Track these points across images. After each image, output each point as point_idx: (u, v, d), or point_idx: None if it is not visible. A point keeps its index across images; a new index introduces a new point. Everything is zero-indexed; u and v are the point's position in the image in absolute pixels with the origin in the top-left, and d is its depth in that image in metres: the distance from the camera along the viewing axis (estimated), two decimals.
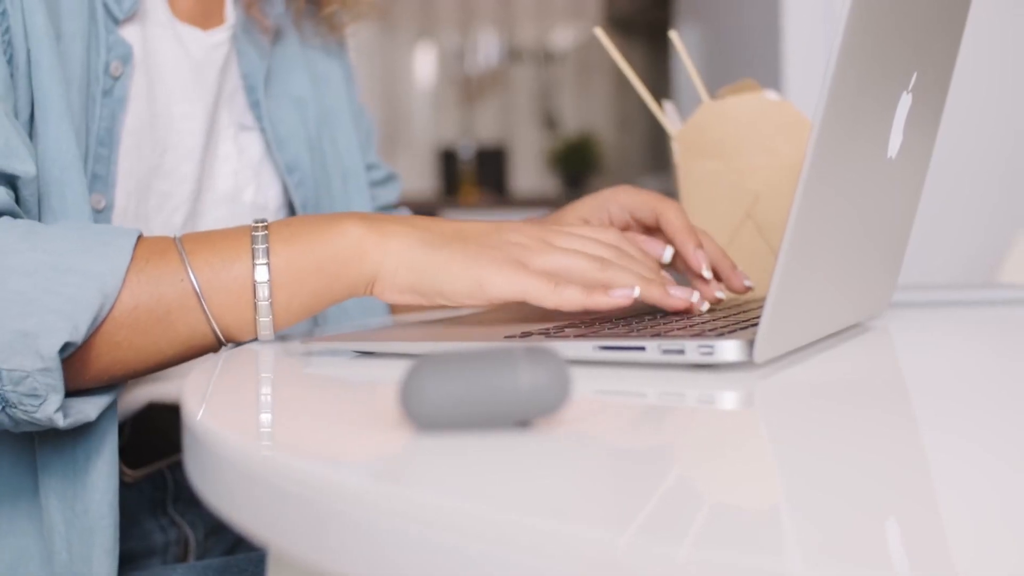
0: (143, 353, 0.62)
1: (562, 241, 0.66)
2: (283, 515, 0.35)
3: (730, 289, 0.76)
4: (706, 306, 0.66)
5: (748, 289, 0.76)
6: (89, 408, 0.63)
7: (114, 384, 0.65)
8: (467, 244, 0.63)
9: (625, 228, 0.81)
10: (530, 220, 0.77)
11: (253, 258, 0.62)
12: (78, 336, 0.57)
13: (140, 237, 0.63)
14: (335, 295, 0.64)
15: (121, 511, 0.82)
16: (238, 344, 0.65)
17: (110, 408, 0.67)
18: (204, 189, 0.84)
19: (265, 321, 0.63)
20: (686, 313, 0.66)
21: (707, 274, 0.74)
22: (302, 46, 0.96)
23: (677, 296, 0.64)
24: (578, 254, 0.64)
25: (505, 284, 0.61)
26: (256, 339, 0.64)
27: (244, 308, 0.63)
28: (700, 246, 0.74)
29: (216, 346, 0.64)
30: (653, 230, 0.79)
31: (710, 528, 0.28)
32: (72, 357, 0.60)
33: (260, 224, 0.63)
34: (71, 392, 0.62)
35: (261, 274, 0.62)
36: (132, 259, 0.61)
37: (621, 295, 0.62)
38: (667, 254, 0.74)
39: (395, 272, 0.63)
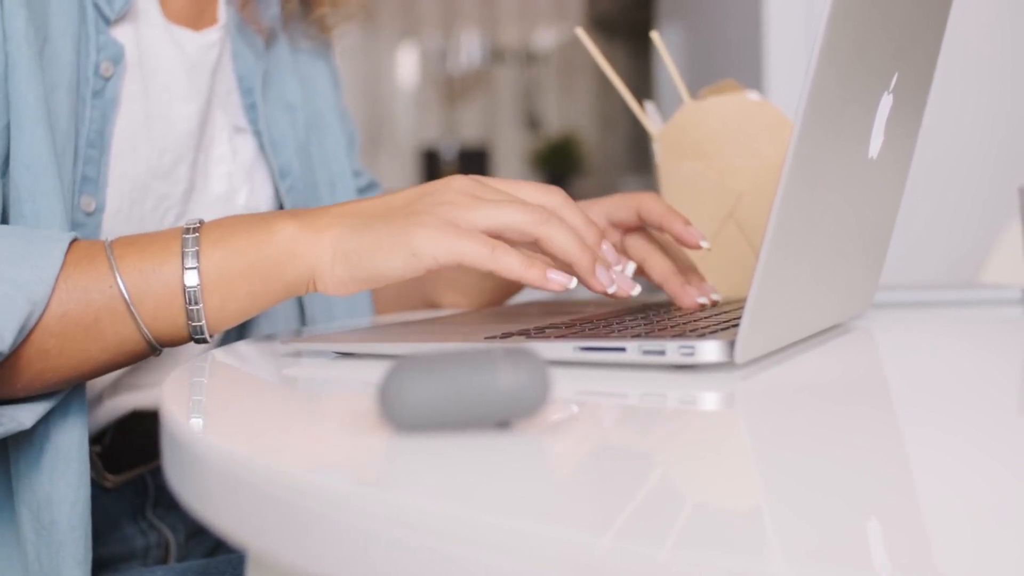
0: (74, 360, 0.61)
1: (495, 194, 0.63)
2: (262, 518, 0.35)
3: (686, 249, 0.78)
4: (637, 290, 0.64)
5: (706, 299, 0.75)
6: (23, 415, 0.62)
7: (51, 391, 0.63)
8: (393, 217, 0.61)
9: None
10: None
11: (182, 262, 0.61)
12: (4, 346, 0.56)
13: (74, 242, 0.61)
14: (272, 296, 0.62)
15: (102, 516, 0.81)
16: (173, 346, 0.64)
17: (77, 419, 0.66)
18: (197, 190, 0.83)
19: (197, 326, 0.61)
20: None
21: (705, 245, 0.74)
22: (292, 50, 0.95)
23: (553, 279, 0.60)
24: (512, 205, 0.61)
25: (438, 249, 0.59)
26: (192, 342, 0.63)
27: (175, 313, 0.61)
28: (688, 223, 0.75)
29: (150, 351, 0.63)
30: (637, 229, 0.79)
31: (692, 529, 0.28)
32: (1, 366, 0.59)
33: (192, 226, 0.62)
34: (4, 401, 0.61)
35: (191, 278, 0.60)
36: (62, 265, 0.59)
37: (556, 282, 0.60)
38: (704, 244, 0.74)
39: (332, 267, 0.61)
